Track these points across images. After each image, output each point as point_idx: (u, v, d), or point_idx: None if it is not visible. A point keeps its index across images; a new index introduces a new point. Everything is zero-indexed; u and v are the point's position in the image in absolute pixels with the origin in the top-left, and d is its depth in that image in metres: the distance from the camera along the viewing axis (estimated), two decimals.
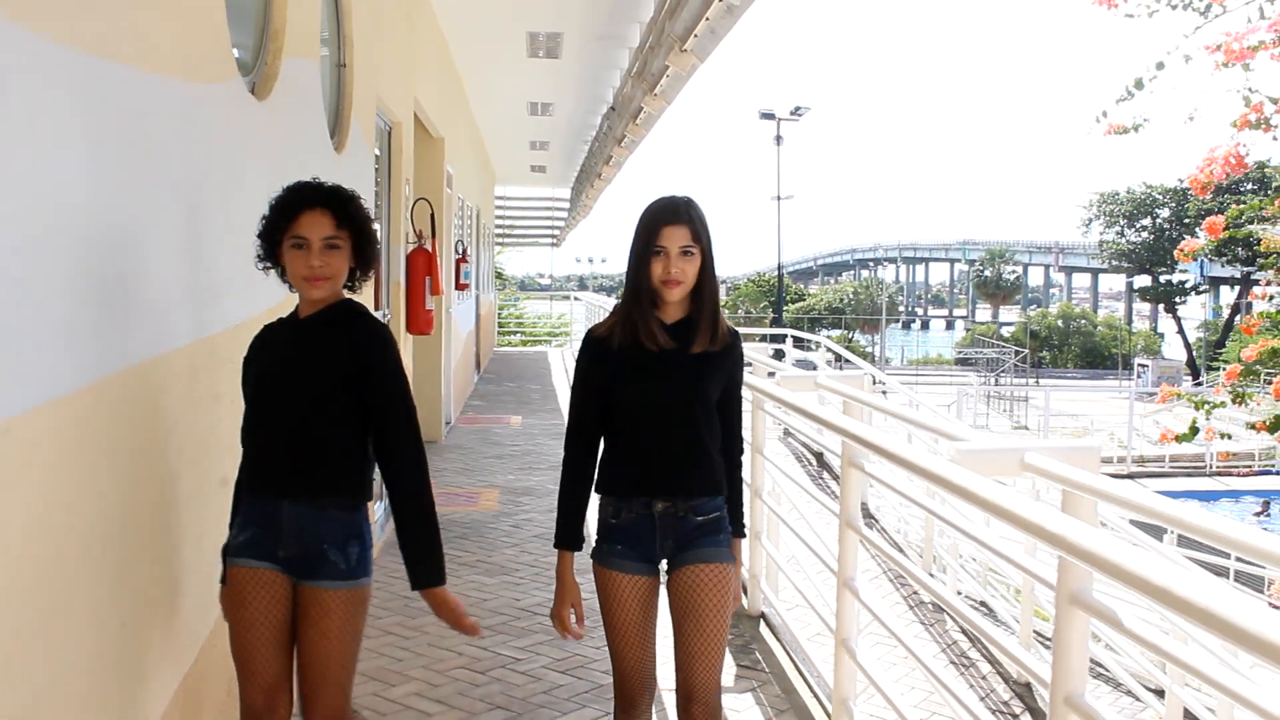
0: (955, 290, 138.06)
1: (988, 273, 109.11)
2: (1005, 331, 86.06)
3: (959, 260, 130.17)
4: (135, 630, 3.27)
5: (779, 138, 48.16)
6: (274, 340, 3.56)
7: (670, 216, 3.52)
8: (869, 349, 73.55)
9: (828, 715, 4.82)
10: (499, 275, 41.31)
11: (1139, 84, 9.52)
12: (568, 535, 3.71)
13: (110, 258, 3.01)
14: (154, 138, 3.31)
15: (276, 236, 3.45)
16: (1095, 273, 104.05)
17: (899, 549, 9.93)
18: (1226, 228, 9.41)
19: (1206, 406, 8.92)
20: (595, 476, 3.71)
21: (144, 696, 3.33)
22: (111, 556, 3.05)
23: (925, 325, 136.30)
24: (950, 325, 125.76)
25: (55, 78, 2.53)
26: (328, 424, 3.47)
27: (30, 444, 2.49)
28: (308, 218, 3.41)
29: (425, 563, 3.52)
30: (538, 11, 12.00)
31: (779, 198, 48.49)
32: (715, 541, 3.66)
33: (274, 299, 4.10)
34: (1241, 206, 9.29)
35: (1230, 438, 8.98)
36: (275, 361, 3.51)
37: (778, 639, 6.13)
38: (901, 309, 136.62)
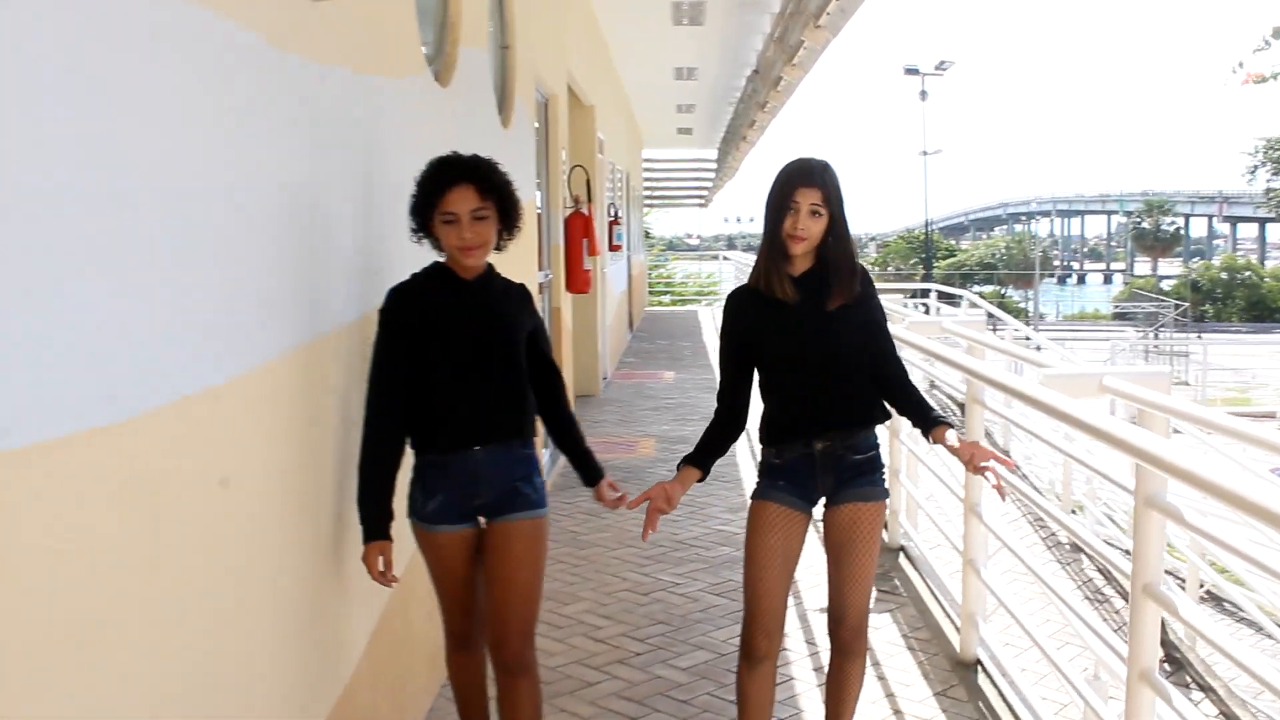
0: (1112, 243, 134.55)
1: (1145, 224, 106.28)
2: (1165, 285, 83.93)
3: (1116, 212, 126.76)
4: (331, 571, 3.57)
5: (924, 93, 47.93)
6: (446, 302, 3.70)
7: (803, 179, 3.72)
8: (1022, 305, 72.45)
9: (958, 631, 5.27)
10: (647, 236, 41.92)
11: (1276, 33, 9.67)
12: (698, 457, 3.90)
13: (305, 236, 3.30)
14: (357, 128, 3.85)
15: (428, 213, 3.64)
16: (1262, 222, 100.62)
17: (1030, 485, 10.33)
18: None
19: None
20: (752, 428, 3.96)
21: (347, 637, 3.73)
22: (302, 509, 3.31)
23: (1081, 280, 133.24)
24: (1108, 280, 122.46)
25: (281, 80, 3.12)
26: (518, 374, 3.78)
27: (237, 409, 2.75)
28: (454, 193, 3.59)
29: (593, 464, 4.04)
30: None
31: (925, 153, 48.26)
32: (871, 480, 3.87)
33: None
34: None
35: None
36: (466, 322, 3.69)
37: (916, 569, 6.64)
38: (1056, 263, 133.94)
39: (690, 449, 3.91)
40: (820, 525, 3.94)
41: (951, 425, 3.80)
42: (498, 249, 3.75)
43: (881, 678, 5.13)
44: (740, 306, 3.89)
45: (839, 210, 3.76)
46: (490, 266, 3.81)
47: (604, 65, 15.66)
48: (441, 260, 3.74)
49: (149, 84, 2.27)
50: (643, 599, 6.24)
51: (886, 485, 3.94)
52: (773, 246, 3.76)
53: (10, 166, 1.77)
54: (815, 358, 3.79)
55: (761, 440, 3.93)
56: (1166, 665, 7.09)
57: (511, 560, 3.72)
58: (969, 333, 6.38)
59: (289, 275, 3.17)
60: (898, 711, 4.78)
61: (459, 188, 3.59)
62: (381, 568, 3.54)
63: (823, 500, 3.92)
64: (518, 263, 6.70)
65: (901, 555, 6.92)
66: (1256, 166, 66.54)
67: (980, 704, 4.83)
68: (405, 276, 3.71)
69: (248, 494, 2.84)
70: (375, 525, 3.57)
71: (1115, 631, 3.75)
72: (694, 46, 16.18)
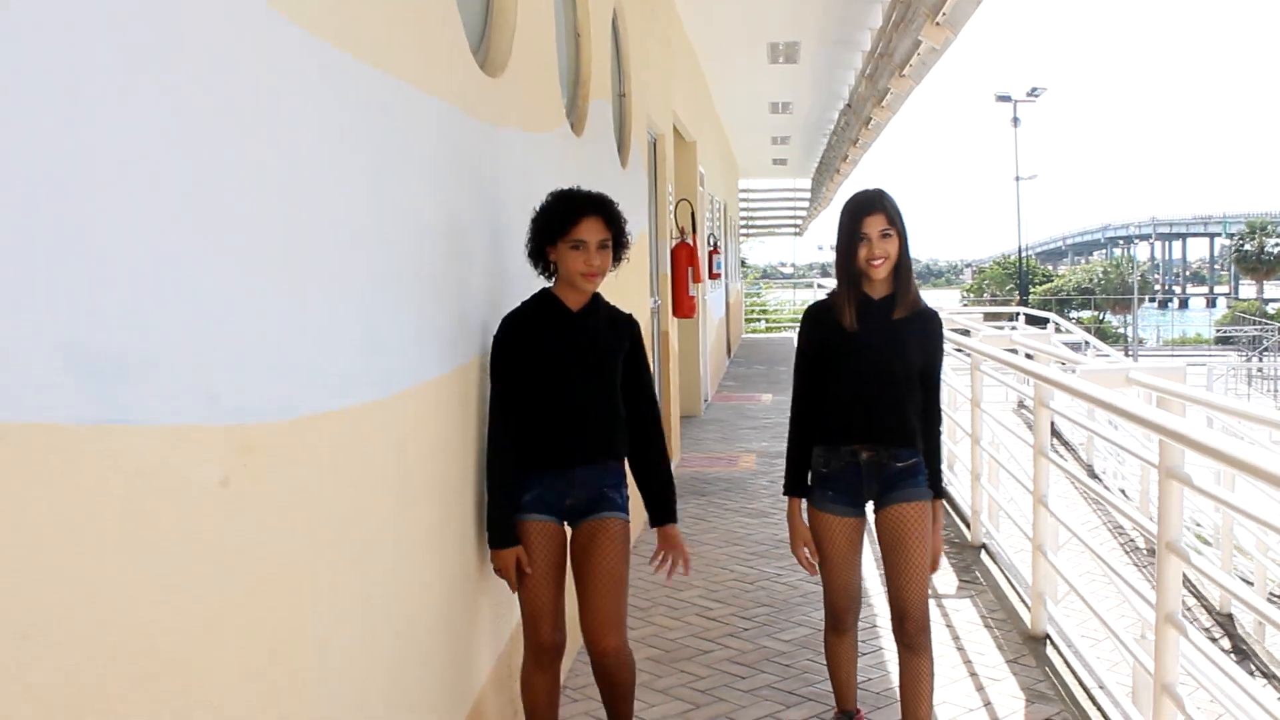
0: (1215, 266, 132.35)
1: (1248, 246, 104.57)
2: (1272, 308, 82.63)
3: (1219, 234, 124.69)
4: (468, 560, 3.93)
5: (1016, 119, 48.27)
6: (551, 330, 3.96)
7: (868, 208, 4.07)
8: (1120, 330, 71.80)
9: (1029, 609, 5.94)
10: (743, 265, 42.61)
11: None
12: (795, 483, 4.32)
13: (455, 269, 3.71)
14: (524, 176, 4.72)
15: (554, 238, 3.91)
16: None
17: (1093, 475, 10.92)
18: None
19: None
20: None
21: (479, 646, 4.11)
22: (448, 509, 3.66)
23: (1184, 304, 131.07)
24: (1211, 304, 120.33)
25: (474, 142, 3.94)
26: (615, 399, 4.06)
27: (411, 415, 3.22)
28: (587, 224, 3.88)
29: (666, 504, 4.21)
30: (777, 24, 13.31)
31: (1019, 178, 48.50)
32: (915, 483, 4.19)
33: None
34: None
35: None
36: (569, 349, 3.95)
37: (995, 562, 7.32)
38: (1157, 287, 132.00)
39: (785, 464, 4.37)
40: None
41: (939, 498, 4.31)
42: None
43: (961, 649, 5.83)
44: (816, 323, 4.27)
45: (904, 229, 4.13)
46: (597, 296, 4.06)
47: (704, 102, 16.50)
48: (550, 287, 4.05)
49: (385, 151, 3.12)
50: (749, 587, 7.00)
51: (929, 486, 4.25)
52: (845, 276, 4.15)
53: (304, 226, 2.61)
54: (876, 374, 4.14)
55: (815, 440, 4.28)
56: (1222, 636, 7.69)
57: (600, 553, 3.98)
58: (1033, 343, 7.00)
59: (444, 305, 3.63)
60: (974, 675, 5.48)
61: (590, 219, 3.90)
62: (515, 570, 3.91)
63: (870, 505, 4.30)
64: (632, 290, 7.55)
65: (983, 552, 7.60)
66: None
67: (1046, 669, 5.52)
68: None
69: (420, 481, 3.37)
70: (507, 531, 3.93)
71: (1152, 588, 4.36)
72: (789, 82, 16.97)
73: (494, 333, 3.98)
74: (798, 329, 4.37)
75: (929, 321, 4.25)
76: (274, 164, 2.35)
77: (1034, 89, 48.36)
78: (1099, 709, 4.95)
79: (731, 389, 18.18)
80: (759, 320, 39.51)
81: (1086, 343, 21.54)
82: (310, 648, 2.54)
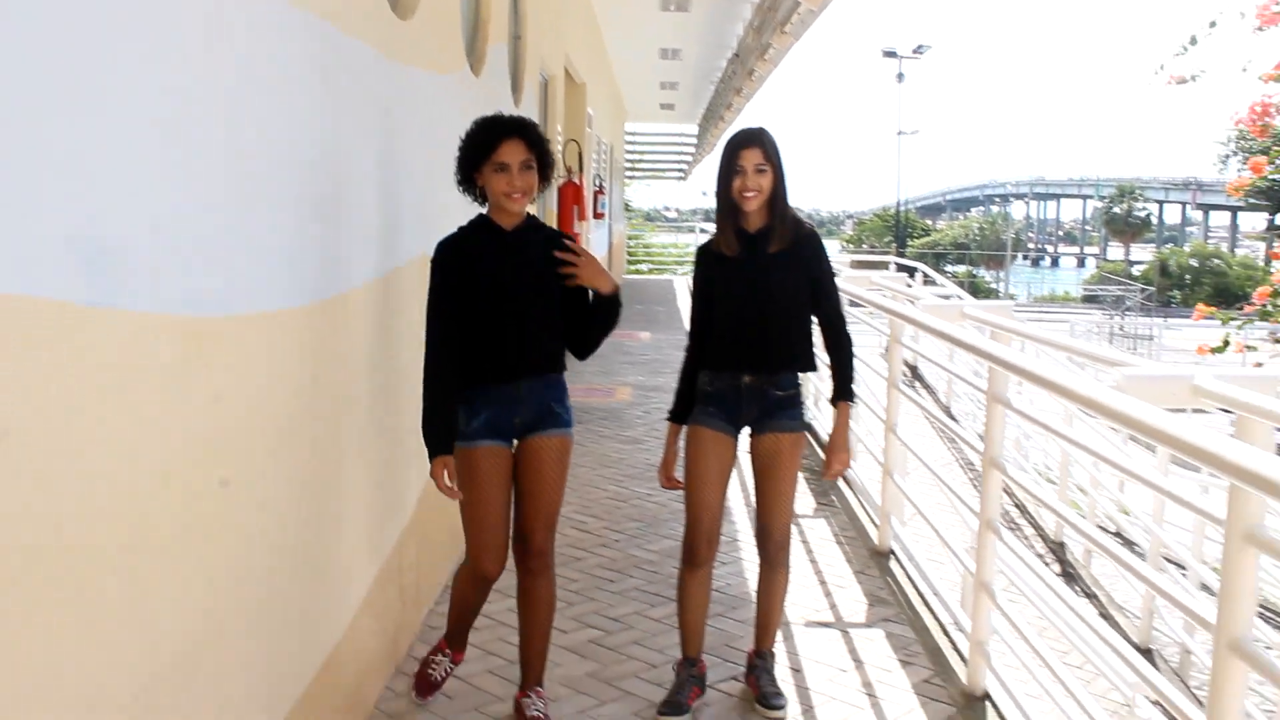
0: (1087, 227, 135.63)
1: (1117, 209, 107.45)
2: (1136, 270, 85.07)
3: (1091, 197, 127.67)
4: (341, 497, 3.99)
5: (900, 75, 49.24)
6: (489, 252, 4.10)
7: (745, 142, 4.24)
8: (993, 285, 73.63)
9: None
10: (627, 208, 42.99)
11: (1193, 40, 10.93)
12: (678, 410, 4.52)
13: (335, 196, 3.78)
14: (425, 113, 5.08)
15: (478, 163, 4.05)
16: (1234, 211, 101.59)
17: (950, 417, 11.60)
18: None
19: (1235, 323, 10.42)
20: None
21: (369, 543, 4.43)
22: (314, 444, 3.66)
23: (1055, 262, 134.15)
24: (1081, 263, 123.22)
25: (389, 82, 4.31)
26: (554, 313, 4.19)
27: (319, 325, 3.48)
28: (508, 145, 4.01)
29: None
30: None
31: (900, 133, 49.54)
32: (792, 414, 4.41)
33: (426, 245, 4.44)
34: (1276, 150, 10.69)
35: (1255, 349, 10.31)
36: (506, 270, 4.09)
37: (850, 487, 7.91)
38: (1031, 245, 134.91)
39: (661, 396, 4.83)
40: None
41: (850, 403, 4.48)
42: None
43: (814, 561, 6.39)
44: (702, 259, 4.47)
45: (780, 166, 4.28)
46: (530, 216, 4.24)
47: (596, 46, 16.84)
48: (484, 212, 4.20)
49: (291, 82, 3.52)
50: (621, 504, 7.51)
51: (837, 393, 4.46)
52: (723, 208, 4.33)
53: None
54: (752, 303, 4.30)
55: (700, 363, 4.47)
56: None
57: (543, 467, 4.20)
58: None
59: (315, 230, 3.65)
60: (824, 584, 6.03)
61: (511, 141, 4.02)
62: (448, 481, 4.01)
63: (747, 429, 4.46)
64: None
65: (840, 479, 8.17)
66: (1228, 155, 67.27)
67: (888, 578, 6.11)
68: (427, 240, 4.19)
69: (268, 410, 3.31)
70: (442, 442, 4.04)
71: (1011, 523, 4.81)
72: (679, 29, 17.35)
73: (414, 255, 4.28)
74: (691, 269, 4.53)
75: (807, 244, 4.37)
76: (219, 98, 2.75)
77: (919, 46, 49.37)
78: (930, 611, 5.55)
79: None
80: (642, 263, 39.98)
81: (959, 296, 22.28)
82: (233, 523, 2.98)
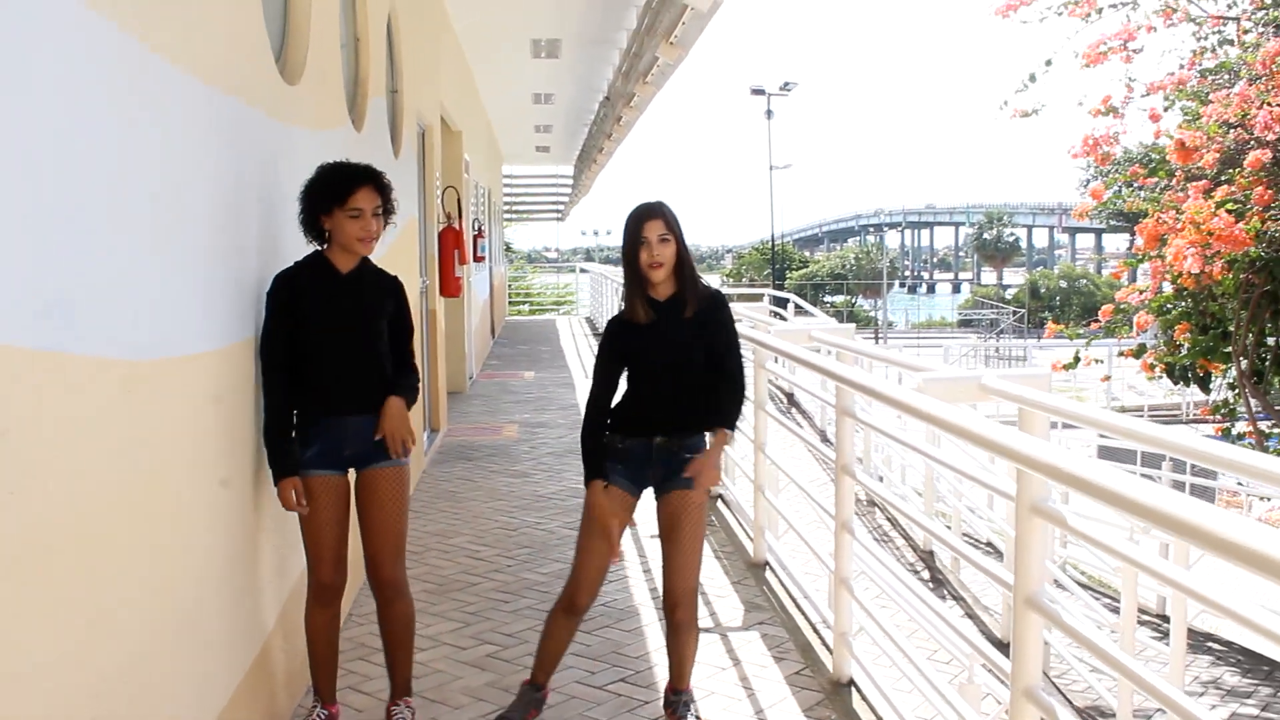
0: (960, 254, 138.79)
1: (987, 235, 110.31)
2: (1009, 293, 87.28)
3: (963, 223, 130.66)
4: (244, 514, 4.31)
5: (769, 111, 50.38)
6: (320, 289, 4.29)
7: (648, 214, 4.40)
8: (872, 313, 75.05)
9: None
10: (508, 249, 43.32)
11: (1032, 78, 11.67)
12: (596, 469, 4.45)
13: (238, 248, 4.09)
14: (297, 168, 5.38)
15: (329, 207, 4.23)
16: (1099, 233, 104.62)
17: (825, 440, 12.07)
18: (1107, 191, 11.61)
19: (1082, 340, 11.12)
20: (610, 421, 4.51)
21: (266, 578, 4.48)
22: (227, 484, 3.96)
23: (931, 289, 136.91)
24: (956, 289, 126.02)
25: (275, 141, 4.66)
26: (383, 352, 4.42)
27: (199, 375, 3.63)
28: (363, 193, 4.24)
29: (401, 386, 4.44)
30: (540, 22, 14.13)
31: (772, 168, 50.60)
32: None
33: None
34: (1114, 176, 11.45)
35: (1101, 362, 11.00)
36: (335, 308, 4.29)
37: (729, 508, 8.36)
38: (907, 273, 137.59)
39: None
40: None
41: (730, 432, 4.49)
42: None
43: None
44: (617, 330, 4.52)
45: (681, 235, 4.44)
46: (365, 259, 4.42)
47: (470, 92, 17.23)
48: (322, 250, 4.38)
49: (189, 139, 3.88)
50: (512, 533, 7.88)
51: (723, 422, 4.48)
52: (632, 279, 4.45)
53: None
54: (670, 369, 4.45)
55: (611, 428, 4.51)
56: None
57: (380, 498, 4.41)
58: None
59: (219, 288, 3.95)
60: (703, 594, 6.35)
61: (365, 188, 4.28)
62: (294, 499, 4.22)
63: (650, 491, 4.58)
64: (402, 271, 8.29)
65: (720, 501, 8.61)
66: (1089, 180, 69.27)
67: (764, 587, 6.54)
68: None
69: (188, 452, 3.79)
70: (285, 464, 4.24)
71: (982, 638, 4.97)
72: (551, 75, 17.81)
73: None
74: (602, 334, 4.65)
75: (716, 309, 4.52)
76: (144, 166, 3.12)
77: (786, 83, 50.55)
78: (801, 612, 6.01)
79: (495, 367, 19.00)
80: (524, 304, 40.32)
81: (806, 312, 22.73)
82: (167, 549, 3.32)
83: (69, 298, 2.62)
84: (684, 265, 4.44)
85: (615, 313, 4.62)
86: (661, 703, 4.85)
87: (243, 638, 4.12)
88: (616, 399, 4.56)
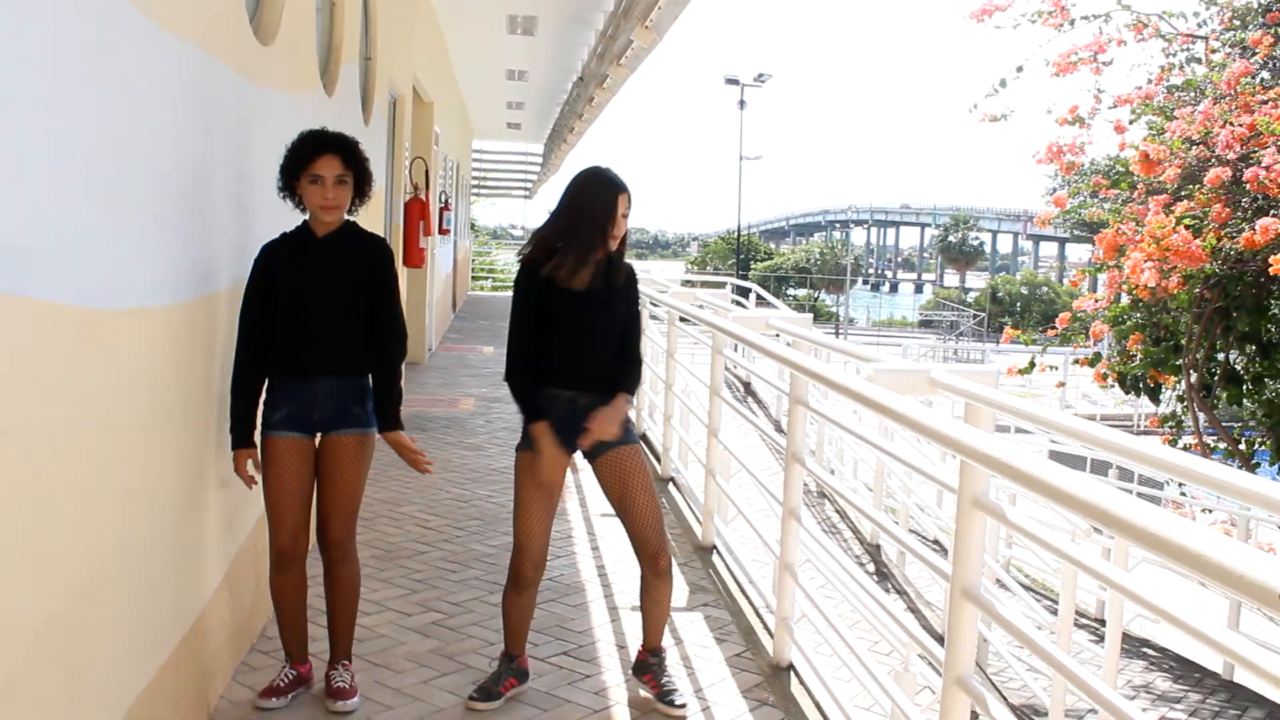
0: (925, 254, 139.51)
1: (952, 238, 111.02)
2: (971, 296, 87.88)
3: (929, 225, 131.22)
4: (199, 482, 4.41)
5: (742, 102, 50.41)
6: (294, 255, 4.37)
7: (623, 187, 4.51)
8: (834, 309, 75.42)
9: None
10: (473, 226, 43.22)
11: (1003, 83, 11.76)
12: (538, 409, 4.50)
13: (198, 206, 4.06)
14: (282, 131, 5.42)
15: (296, 173, 4.32)
16: (1062, 241, 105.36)
17: (779, 430, 12.19)
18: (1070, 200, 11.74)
19: (1038, 346, 11.26)
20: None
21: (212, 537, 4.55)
22: (179, 436, 3.98)
23: (894, 288, 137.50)
24: (919, 289, 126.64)
25: (247, 101, 4.68)
26: (354, 317, 4.45)
27: (157, 329, 3.64)
28: (323, 160, 4.30)
29: (390, 414, 4.57)
30: None
31: (742, 158, 50.65)
32: (627, 429, 4.61)
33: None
34: (1078, 186, 11.58)
35: (1056, 368, 11.13)
36: (306, 273, 4.36)
37: (679, 491, 8.41)
38: (871, 271, 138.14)
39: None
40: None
41: (628, 394, 4.63)
42: (349, 212, 4.50)
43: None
44: (537, 278, 4.52)
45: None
46: (348, 224, 4.49)
47: (443, 64, 17.20)
48: (306, 219, 4.46)
49: (158, 98, 3.90)
50: (463, 505, 7.92)
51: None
52: (589, 244, 4.47)
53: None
54: (593, 330, 4.56)
55: (539, 385, 4.55)
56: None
57: (340, 463, 4.48)
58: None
59: (182, 237, 4.01)
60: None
61: (327, 155, 4.32)
62: (250, 470, 4.37)
63: (580, 455, 4.69)
64: None
65: (671, 484, 8.67)
66: (1055, 189, 69.70)
67: (710, 570, 6.61)
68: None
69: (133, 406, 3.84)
70: (243, 435, 4.37)
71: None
72: (526, 52, 17.78)
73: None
74: (518, 284, 4.66)
75: (635, 281, 4.74)
76: (108, 119, 3.13)
77: (760, 74, 50.55)
78: (746, 596, 6.07)
79: (455, 341, 19.01)
80: (486, 279, 40.26)
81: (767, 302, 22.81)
82: (117, 495, 3.34)
83: (25, 244, 2.63)
84: (625, 237, 4.58)
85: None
86: (633, 669, 4.91)
87: (188, 591, 4.14)
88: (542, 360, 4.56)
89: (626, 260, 4.71)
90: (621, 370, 4.67)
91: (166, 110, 3.67)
